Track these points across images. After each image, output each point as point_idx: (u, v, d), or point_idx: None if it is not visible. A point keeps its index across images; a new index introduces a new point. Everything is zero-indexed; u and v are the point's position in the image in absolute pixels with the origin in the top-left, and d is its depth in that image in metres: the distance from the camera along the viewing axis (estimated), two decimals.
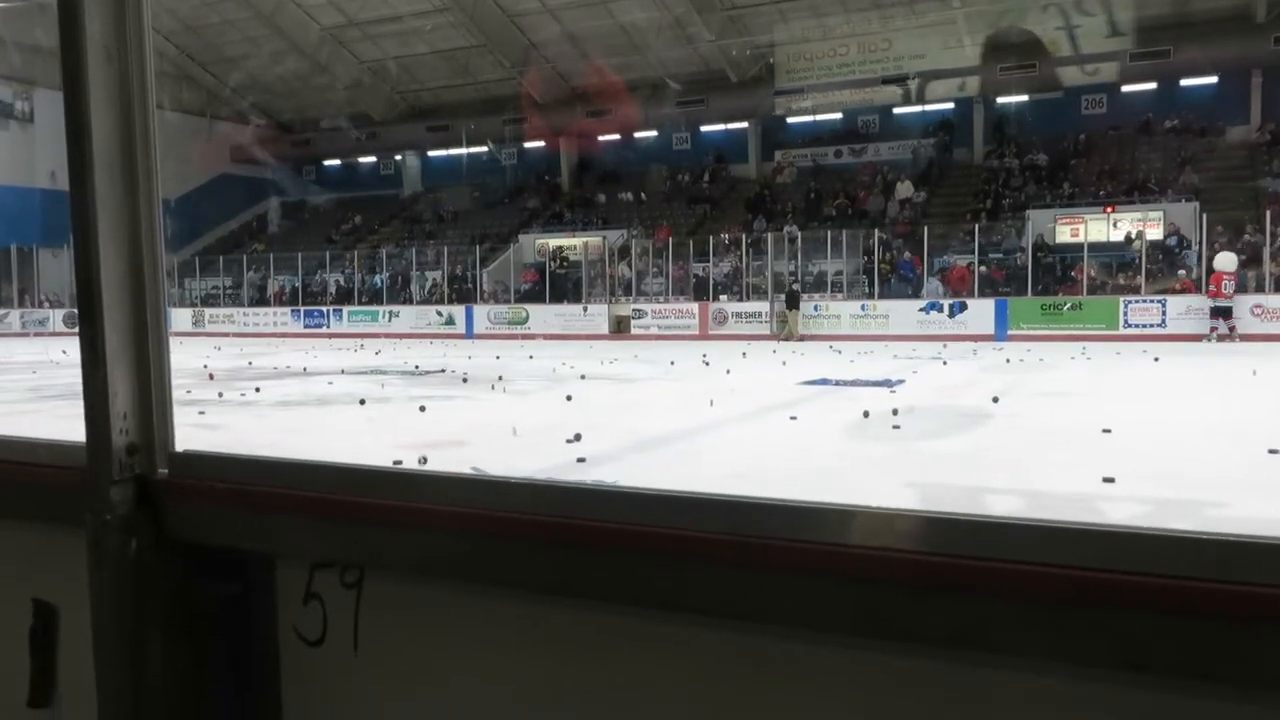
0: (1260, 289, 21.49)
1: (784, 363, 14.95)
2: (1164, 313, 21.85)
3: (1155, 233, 24.47)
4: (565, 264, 30.44)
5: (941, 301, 23.93)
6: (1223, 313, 20.49)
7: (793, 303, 24.65)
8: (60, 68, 1.31)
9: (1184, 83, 27.85)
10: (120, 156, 1.34)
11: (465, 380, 12.04)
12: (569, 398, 9.95)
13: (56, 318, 32.15)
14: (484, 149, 36.00)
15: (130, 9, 1.33)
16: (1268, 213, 22.05)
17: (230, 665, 1.39)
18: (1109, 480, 5.17)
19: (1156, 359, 15.42)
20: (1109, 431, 7.06)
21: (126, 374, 1.36)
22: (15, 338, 30.14)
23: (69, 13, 1.29)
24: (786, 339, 23.72)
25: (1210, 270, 21.22)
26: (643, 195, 33.46)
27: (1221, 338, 20.24)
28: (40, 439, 1.60)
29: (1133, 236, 24.43)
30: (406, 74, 34.81)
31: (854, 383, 11.79)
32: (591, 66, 31.44)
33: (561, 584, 1.16)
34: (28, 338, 28.85)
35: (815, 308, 25.31)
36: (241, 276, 34.44)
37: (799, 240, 26.92)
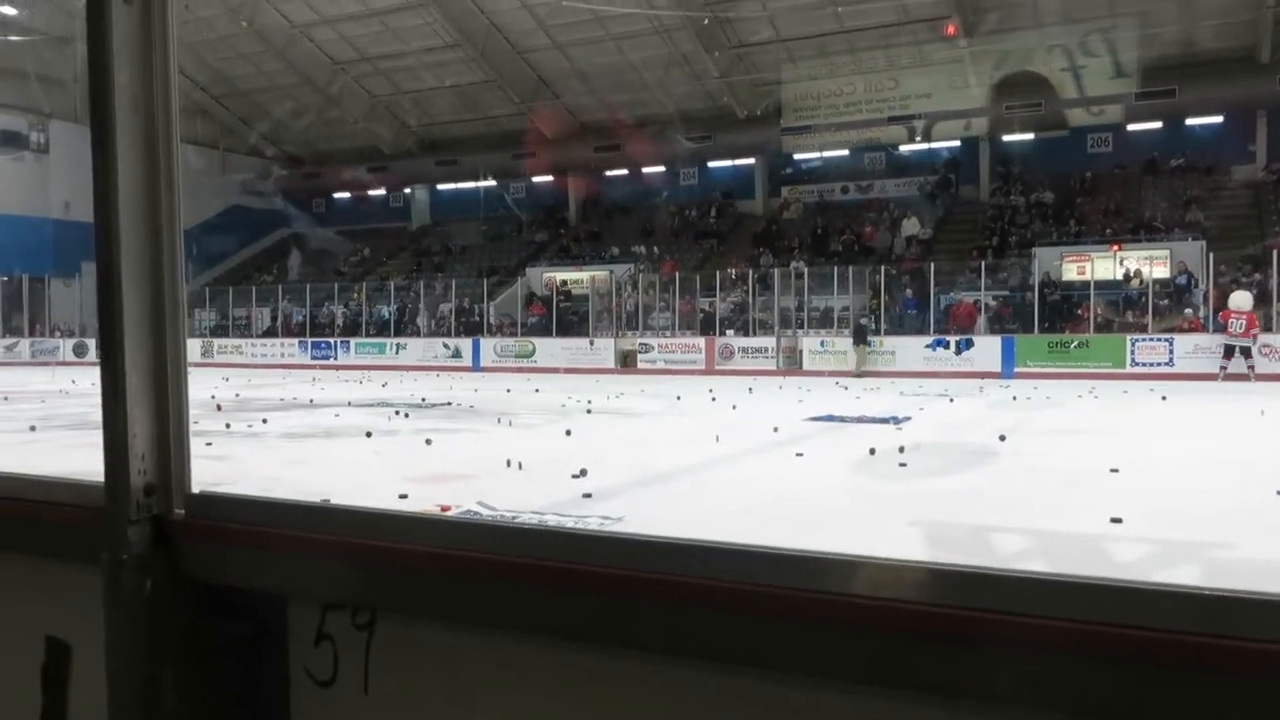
0: (1268, 328, 21.44)
1: (801, 400, 14.94)
2: (1171, 351, 21.80)
3: (1162, 271, 24.49)
4: (568, 298, 30.54)
5: (948, 338, 23.93)
6: (1243, 351, 20.27)
7: (860, 337, 24.17)
8: (89, 116, 1.35)
9: (1189, 122, 28.01)
10: (145, 202, 1.37)
11: (401, 415, 12.00)
12: (568, 432, 9.96)
13: (66, 347, 32.28)
14: (492, 183, 36.28)
15: (158, 61, 1.37)
16: (1275, 252, 22.07)
17: (242, 705, 1.40)
18: (1116, 520, 5.17)
19: (1164, 398, 15.40)
20: (1116, 471, 7.05)
21: (146, 415, 1.38)
22: (25, 366, 30.28)
23: (99, 64, 1.33)
24: (858, 374, 23.23)
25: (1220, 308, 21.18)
26: (655, 230, 33.63)
27: (1229, 377, 20.07)
28: (58, 477, 1.62)
29: (1130, 274, 24.46)
30: (417, 108, 35.17)
31: (860, 419, 11.78)
32: (601, 105, 31.78)
33: (571, 628, 1.18)
34: (48, 367, 28.95)
35: (821, 343, 25.30)
36: (251, 307, 34.64)
37: (805, 276, 26.99)
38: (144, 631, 1.34)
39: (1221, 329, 20.74)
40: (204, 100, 35.32)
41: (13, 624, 1.63)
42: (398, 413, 12.16)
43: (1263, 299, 21.89)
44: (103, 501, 1.39)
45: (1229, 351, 20.40)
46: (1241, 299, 20.60)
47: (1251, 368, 20.10)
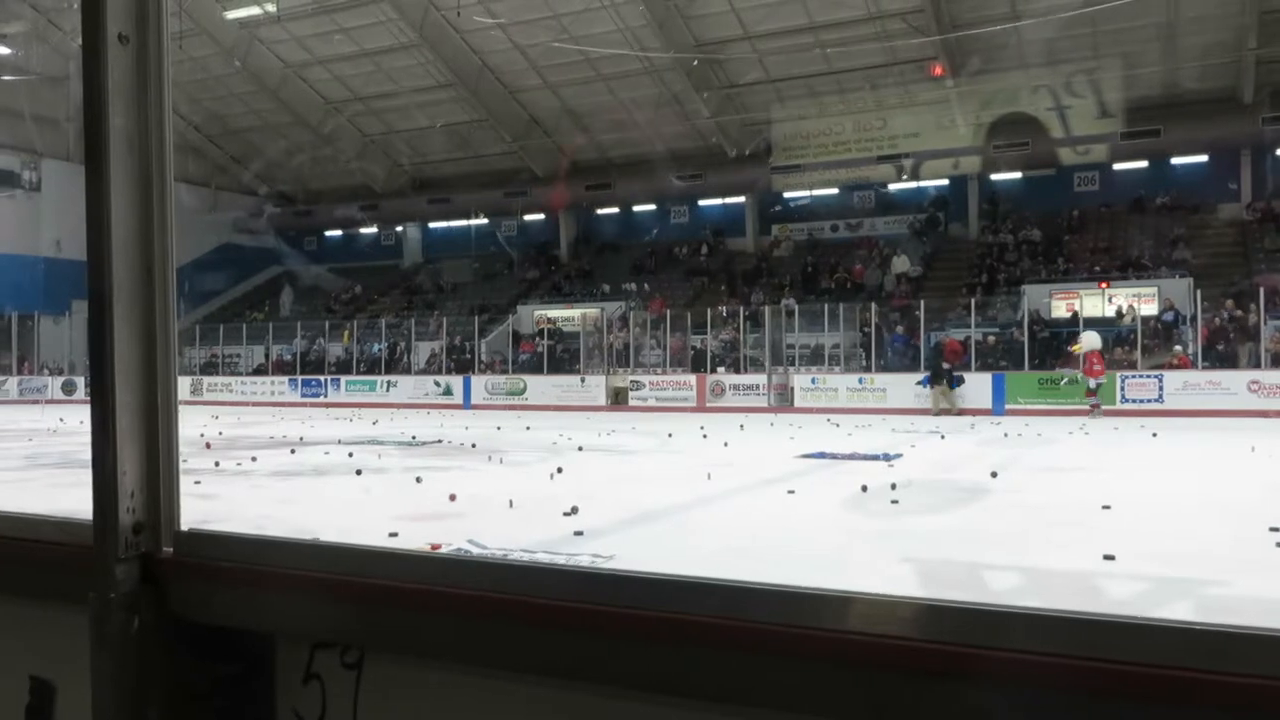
0: (1256, 365, 21.61)
1: (792, 438, 14.91)
2: (1161, 388, 21.88)
3: (1150, 308, 24.65)
4: (556, 336, 30.53)
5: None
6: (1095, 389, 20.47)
7: (938, 376, 22.85)
8: (84, 156, 1.36)
9: (1174, 161, 28.35)
10: (138, 241, 1.38)
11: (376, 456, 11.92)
12: (559, 469, 9.90)
13: (55, 385, 32.12)
14: (484, 221, 36.44)
15: (152, 101, 1.38)
16: (1261, 290, 22.26)
17: None
18: (1109, 558, 5.15)
19: (1155, 434, 15.43)
20: (1109, 508, 7.03)
21: (136, 453, 1.38)
22: (13, 405, 30.09)
23: (94, 104, 1.34)
24: (946, 413, 21.97)
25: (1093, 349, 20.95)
26: (646, 268, 33.76)
27: (1105, 413, 20.23)
28: (44, 515, 1.60)
29: (1123, 312, 24.61)
30: (409, 147, 35.39)
31: (852, 456, 11.76)
32: (593, 144, 32.01)
33: (563, 666, 1.17)
34: (36, 405, 28.73)
35: (813, 380, 25.31)
36: (241, 345, 34.58)
37: (796, 313, 27.08)
38: (131, 670, 1.33)
39: (1098, 370, 20.56)
40: (196, 139, 35.50)
41: None
42: (350, 454, 11.71)
43: (1247, 334, 22.13)
44: (89, 540, 1.38)
45: (1093, 390, 20.48)
46: (1094, 339, 20.73)
47: (1097, 404, 20.21)
